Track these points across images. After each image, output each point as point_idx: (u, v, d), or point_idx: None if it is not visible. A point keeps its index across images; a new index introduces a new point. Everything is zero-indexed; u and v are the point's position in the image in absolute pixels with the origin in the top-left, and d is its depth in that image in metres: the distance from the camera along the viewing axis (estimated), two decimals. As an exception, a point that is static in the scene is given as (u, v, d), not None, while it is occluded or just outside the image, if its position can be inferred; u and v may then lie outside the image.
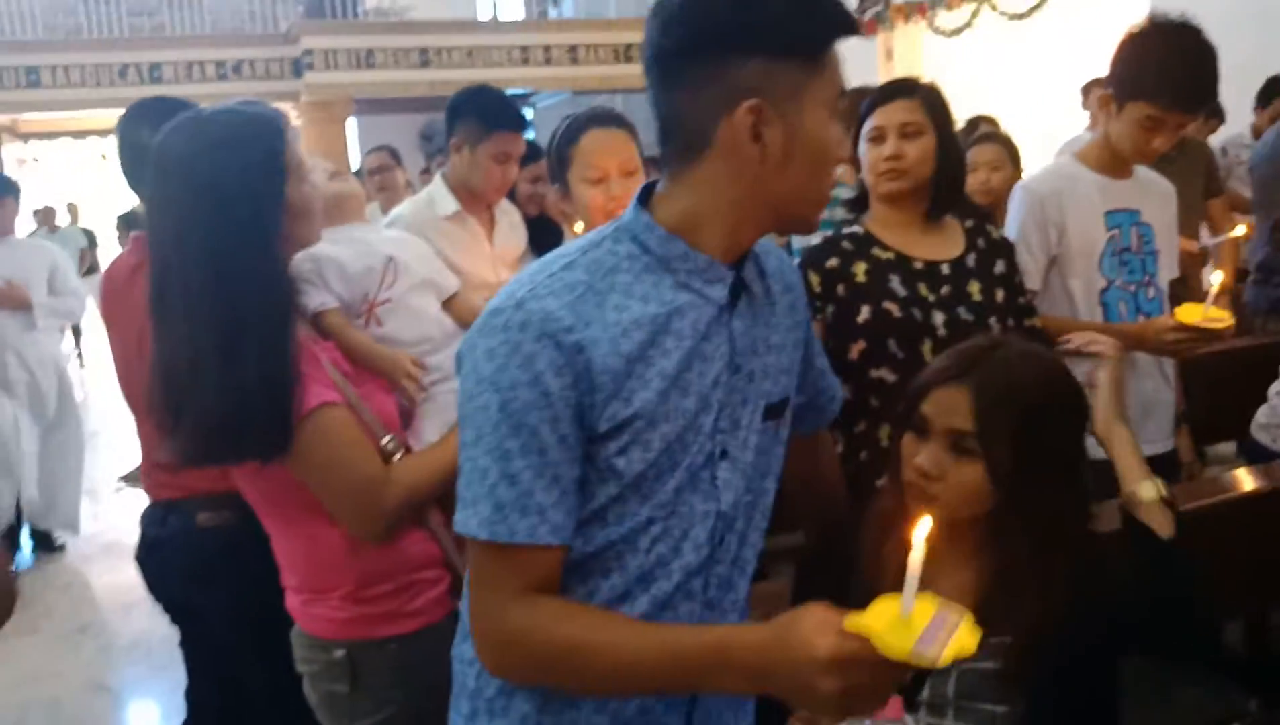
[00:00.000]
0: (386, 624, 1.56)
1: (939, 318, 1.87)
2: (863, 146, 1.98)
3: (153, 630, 3.73)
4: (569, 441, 1.00)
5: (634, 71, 6.51)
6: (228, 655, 2.02)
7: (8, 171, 10.73)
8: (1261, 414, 2.60)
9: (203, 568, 1.99)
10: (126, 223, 5.66)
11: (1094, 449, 1.34)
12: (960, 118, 3.12)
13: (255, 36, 12.73)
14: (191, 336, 1.41)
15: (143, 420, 2.06)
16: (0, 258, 4.45)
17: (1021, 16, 7.48)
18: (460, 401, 1.04)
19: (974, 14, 7.90)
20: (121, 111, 2.14)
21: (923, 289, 1.89)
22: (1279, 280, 3.66)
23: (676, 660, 0.99)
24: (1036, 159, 3.59)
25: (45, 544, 4.84)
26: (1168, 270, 2.32)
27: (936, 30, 8.40)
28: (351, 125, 12.77)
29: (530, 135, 2.82)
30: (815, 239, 2.06)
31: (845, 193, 2.81)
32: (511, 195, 2.77)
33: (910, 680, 1.23)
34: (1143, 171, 2.31)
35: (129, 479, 5.86)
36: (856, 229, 1.99)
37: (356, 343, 1.67)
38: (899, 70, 8.06)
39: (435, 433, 1.67)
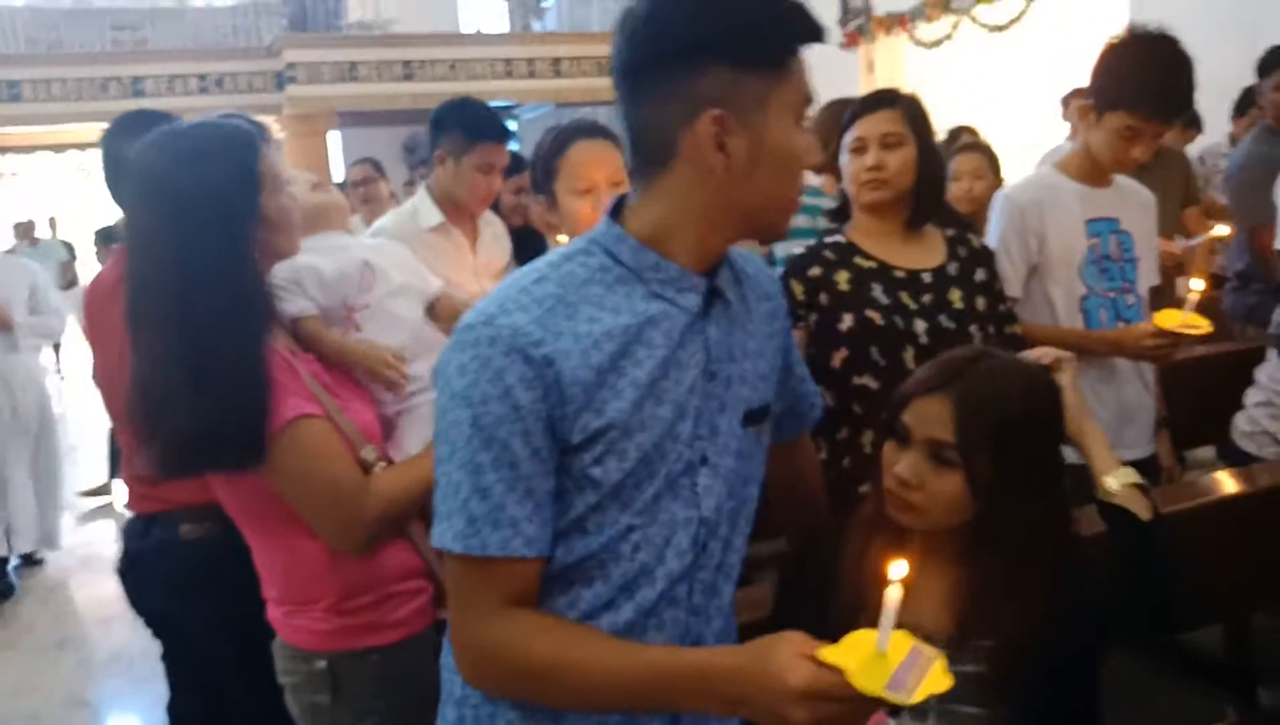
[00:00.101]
0: (368, 635, 1.55)
1: (921, 326, 1.88)
2: (845, 157, 1.99)
3: (133, 644, 3.71)
4: (541, 454, 1.01)
5: (617, 83, 6.52)
6: (210, 667, 2.00)
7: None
8: (1243, 422, 2.62)
9: (185, 579, 1.98)
10: (105, 237, 5.60)
11: (1069, 454, 1.35)
12: (941, 128, 3.15)
13: (238, 50, 12.68)
14: (164, 349, 1.40)
15: (126, 434, 2.04)
16: None
17: (1001, 28, 7.54)
18: (435, 417, 1.05)
19: (954, 26, 7.96)
20: (104, 126, 2.14)
21: (905, 297, 1.90)
22: (1257, 287, 3.70)
23: (652, 681, 1.00)
24: (1016, 169, 3.62)
25: (24, 559, 4.77)
26: (1147, 277, 2.34)
27: (917, 42, 8.47)
28: (335, 138, 12.74)
29: (514, 147, 2.83)
30: (798, 248, 2.07)
31: (827, 203, 2.83)
32: (495, 206, 2.77)
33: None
34: (1123, 180, 2.34)
35: (94, 493, 5.84)
36: (839, 238, 2.00)
37: (334, 343, 1.66)
38: (880, 82, 8.11)
39: (417, 444, 1.66)
